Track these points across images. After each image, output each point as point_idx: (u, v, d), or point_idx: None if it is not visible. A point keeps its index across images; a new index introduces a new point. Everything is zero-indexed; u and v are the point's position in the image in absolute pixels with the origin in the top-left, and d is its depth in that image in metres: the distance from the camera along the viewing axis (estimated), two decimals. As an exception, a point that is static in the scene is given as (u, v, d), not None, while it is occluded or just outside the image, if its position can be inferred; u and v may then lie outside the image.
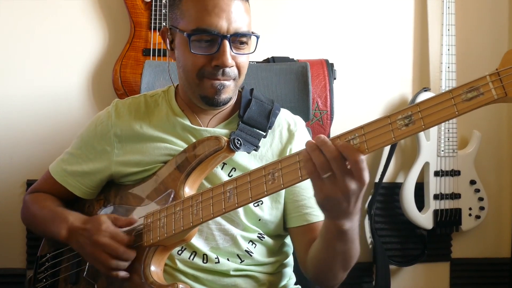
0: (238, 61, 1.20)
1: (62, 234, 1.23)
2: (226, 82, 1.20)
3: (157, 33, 2.08)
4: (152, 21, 2.08)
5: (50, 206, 1.32)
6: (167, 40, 1.27)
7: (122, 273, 1.15)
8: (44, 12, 2.17)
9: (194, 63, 1.19)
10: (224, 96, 1.21)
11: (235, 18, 1.17)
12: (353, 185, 0.92)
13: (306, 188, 1.27)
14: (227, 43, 1.16)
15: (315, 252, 1.15)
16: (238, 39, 1.18)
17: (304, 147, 1.28)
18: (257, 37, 1.22)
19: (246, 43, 1.21)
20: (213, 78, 1.19)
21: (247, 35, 1.19)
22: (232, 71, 1.20)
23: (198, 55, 1.18)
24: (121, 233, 1.15)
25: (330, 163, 0.91)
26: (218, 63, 1.17)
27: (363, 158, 0.90)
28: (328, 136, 1.92)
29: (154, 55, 2.08)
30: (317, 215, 1.25)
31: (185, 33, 1.18)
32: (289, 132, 1.31)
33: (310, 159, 0.93)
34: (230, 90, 1.22)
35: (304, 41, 2.33)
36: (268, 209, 1.26)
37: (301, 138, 1.32)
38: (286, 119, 1.34)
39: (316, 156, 0.92)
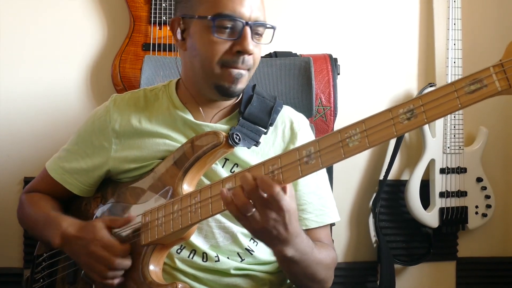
0: (254, 51, 1.21)
1: (55, 242, 1.22)
2: (243, 71, 1.21)
3: (157, 28, 2.07)
4: (152, 15, 2.06)
5: (44, 209, 1.31)
6: (178, 30, 1.25)
7: (117, 281, 1.14)
8: (41, 6, 2.15)
9: (215, 50, 1.18)
10: (239, 86, 1.22)
11: (256, 7, 1.19)
12: (273, 215, 0.96)
13: (307, 192, 1.27)
14: (248, 29, 1.17)
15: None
16: (257, 28, 1.20)
17: None
18: (274, 29, 1.23)
19: (262, 35, 1.23)
20: (233, 66, 1.19)
21: (266, 25, 1.21)
22: (249, 60, 1.20)
23: (219, 41, 1.17)
24: (115, 243, 1.14)
25: (250, 202, 0.96)
26: (241, 49, 1.17)
27: (278, 190, 0.94)
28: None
29: (154, 49, 2.06)
30: (316, 221, 1.28)
31: (208, 17, 1.17)
32: (291, 131, 1.31)
33: (232, 201, 0.97)
34: (245, 80, 1.23)
35: (307, 35, 2.31)
36: None
37: (304, 137, 1.32)
38: (289, 116, 1.34)
39: (237, 198, 0.96)
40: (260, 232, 1.00)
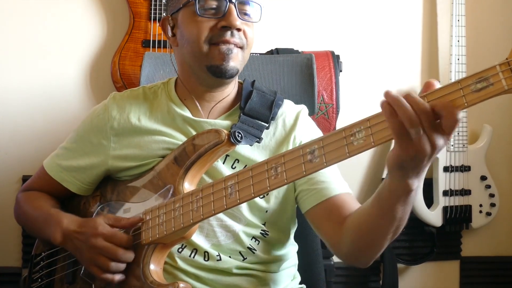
0: (244, 29, 1.21)
1: (56, 238, 1.20)
2: (234, 49, 1.19)
3: (157, 24, 2.06)
4: (152, 11, 2.06)
5: (43, 206, 1.30)
6: (168, 27, 1.27)
7: (118, 276, 1.13)
8: (40, 2, 2.14)
9: (200, 28, 1.19)
10: (232, 63, 1.19)
11: None
12: (441, 141, 0.86)
13: None
14: (233, 6, 1.18)
15: (365, 220, 1.07)
16: (243, 8, 1.20)
17: (308, 135, 1.28)
18: (261, 7, 1.23)
19: (250, 15, 1.22)
20: (221, 40, 1.18)
21: (251, 2, 1.21)
22: (240, 36, 1.20)
23: (204, 20, 1.18)
24: (118, 234, 1.13)
25: (419, 117, 0.83)
26: (226, 24, 1.17)
27: (461, 116, 0.84)
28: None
29: (154, 46, 2.06)
30: (335, 188, 1.20)
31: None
32: (292, 119, 1.30)
33: (394, 113, 0.84)
34: (237, 58, 1.20)
35: (309, 32, 2.30)
36: (274, 199, 1.23)
37: (305, 125, 1.31)
38: (289, 107, 1.33)
39: (405, 110, 0.83)
40: (414, 158, 0.87)
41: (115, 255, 1.11)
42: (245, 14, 1.21)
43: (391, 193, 0.97)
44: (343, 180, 1.25)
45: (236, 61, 1.20)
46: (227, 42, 1.18)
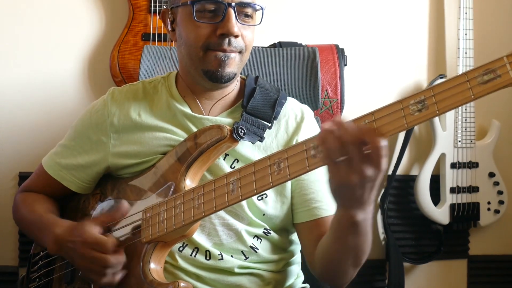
0: (243, 33, 1.19)
1: (50, 247, 1.19)
2: (231, 54, 1.18)
3: (157, 17, 2.05)
4: (152, 4, 2.05)
5: (39, 211, 1.29)
6: (168, 21, 1.26)
7: (117, 277, 1.11)
8: (37, -5, 2.13)
9: (198, 34, 1.17)
10: (228, 69, 1.19)
11: None
12: (370, 171, 0.87)
13: (314, 180, 1.24)
14: (232, 11, 1.15)
15: (325, 247, 1.13)
16: (243, 10, 1.18)
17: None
18: (262, 9, 1.22)
19: (251, 16, 1.21)
20: (218, 48, 1.17)
21: (252, 5, 1.19)
22: (238, 42, 1.18)
23: (202, 26, 1.17)
24: (103, 241, 1.11)
25: (346, 146, 0.86)
26: (224, 31, 1.15)
27: (385, 143, 0.86)
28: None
29: (154, 40, 2.05)
30: (326, 209, 1.23)
31: (188, 1, 1.16)
32: (295, 122, 1.29)
33: (325, 141, 0.88)
34: (235, 63, 1.19)
35: (313, 25, 2.28)
36: (273, 203, 1.22)
37: (309, 129, 1.29)
38: (293, 108, 1.31)
39: (332, 138, 0.87)
40: (343, 186, 0.90)
41: (106, 263, 1.09)
42: (246, 15, 1.19)
43: (339, 223, 1.02)
44: None
45: (233, 66, 1.19)
46: (224, 50, 1.17)
